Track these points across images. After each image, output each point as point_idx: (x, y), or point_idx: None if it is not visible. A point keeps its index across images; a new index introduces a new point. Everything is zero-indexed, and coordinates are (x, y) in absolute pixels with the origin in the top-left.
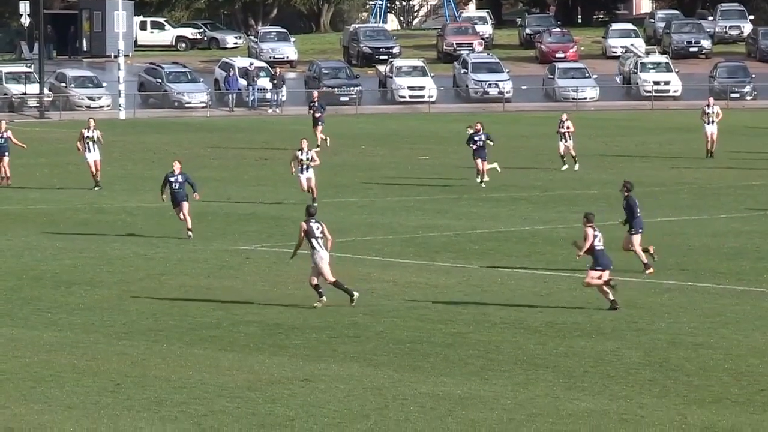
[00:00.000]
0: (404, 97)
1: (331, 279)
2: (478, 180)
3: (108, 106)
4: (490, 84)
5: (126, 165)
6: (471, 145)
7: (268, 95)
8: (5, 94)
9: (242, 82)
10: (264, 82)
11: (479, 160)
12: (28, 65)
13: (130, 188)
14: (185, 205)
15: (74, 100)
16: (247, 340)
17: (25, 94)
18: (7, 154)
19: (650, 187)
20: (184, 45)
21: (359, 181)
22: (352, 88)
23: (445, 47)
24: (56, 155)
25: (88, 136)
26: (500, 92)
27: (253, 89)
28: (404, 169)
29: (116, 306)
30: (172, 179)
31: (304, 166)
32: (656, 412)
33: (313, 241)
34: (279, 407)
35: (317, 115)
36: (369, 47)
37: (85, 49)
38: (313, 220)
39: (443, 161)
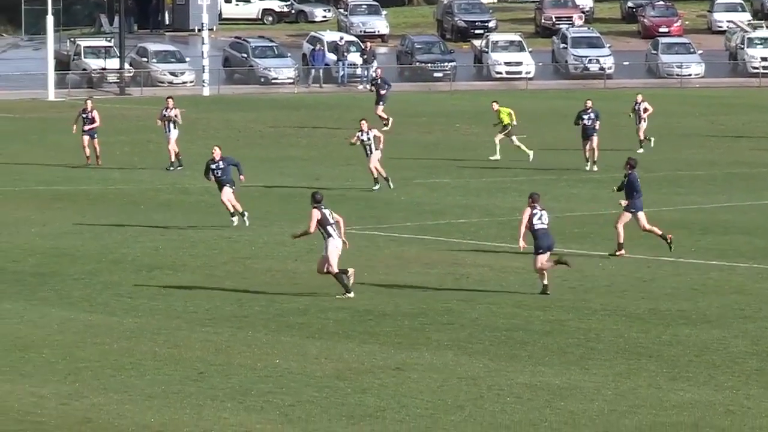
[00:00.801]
0: (500, 73)
1: (335, 270)
2: (587, 167)
3: (191, 82)
4: (590, 59)
5: (210, 144)
6: (579, 123)
7: (358, 71)
8: (84, 70)
9: (331, 57)
10: (354, 57)
11: (587, 142)
12: (108, 39)
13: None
14: (226, 190)
15: (156, 76)
16: (336, 327)
17: (104, 69)
18: (95, 136)
19: (757, 168)
20: (270, 18)
21: (453, 160)
22: (446, 64)
23: (543, 21)
24: (137, 133)
25: (165, 116)
26: (601, 68)
27: (343, 65)
28: (500, 149)
29: (199, 291)
30: (213, 166)
31: (368, 148)
32: (763, 403)
33: (329, 228)
34: (369, 397)
35: (381, 92)
36: (464, 21)
37: (167, 23)
38: (323, 206)
39: (541, 140)
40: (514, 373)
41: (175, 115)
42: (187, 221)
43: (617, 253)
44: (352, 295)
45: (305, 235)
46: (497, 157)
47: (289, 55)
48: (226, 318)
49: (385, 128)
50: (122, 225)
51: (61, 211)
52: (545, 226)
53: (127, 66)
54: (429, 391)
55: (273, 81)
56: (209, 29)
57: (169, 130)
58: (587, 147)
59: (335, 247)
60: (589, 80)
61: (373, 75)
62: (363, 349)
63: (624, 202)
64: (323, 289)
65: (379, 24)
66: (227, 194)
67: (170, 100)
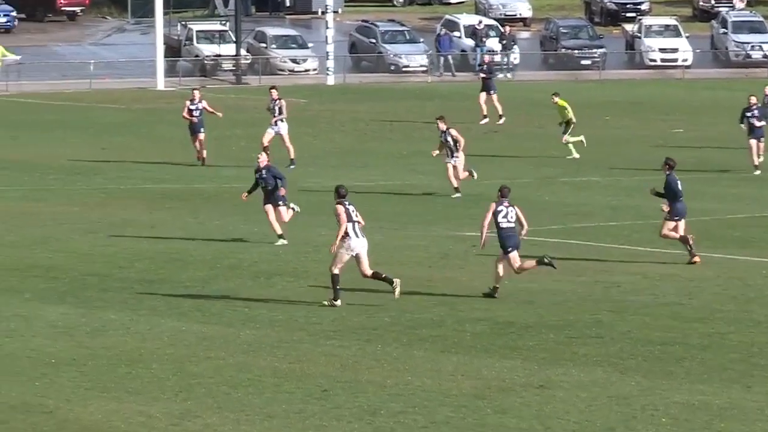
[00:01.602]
0: (655, 60)
1: (335, 271)
2: (757, 170)
3: (314, 69)
4: (753, 46)
5: (334, 137)
6: (744, 122)
7: (497, 57)
8: (197, 56)
9: (468, 42)
10: (493, 42)
11: (754, 140)
12: (223, 23)
13: (339, 164)
14: (277, 208)
15: (275, 63)
16: (473, 341)
17: (219, 56)
18: (202, 130)
19: None
20: (401, 0)
21: (603, 156)
22: (594, 50)
23: (701, 3)
24: (254, 126)
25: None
26: (765, 56)
27: (481, 51)
28: (654, 143)
29: (324, 300)
30: (257, 176)
31: (449, 150)
32: None
33: (348, 226)
34: (510, 418)
35: (489, 79)
36: (614, 3)
37: (288, 4)
38: (347, 202)
39: (699, 134)
40: (670, 392)
41: (279, 108)
42: (309, 223)
43: (693, 261)
44: (339, 303)
45: (341, 232)
46: (575, 156)
47: (422, 40)
48: (353, 330)
49: (484, 121)
50: (238, 227)
51: (171, 212)
52: (512, 225)
53: (243, 52)
54: (576, 412)
55: (404, 69)
56: (334, 12)
57: (277, 124)
58: (753, 147)
59: (362, 246)
60: (751, 69)
61: (482, 61)
62: (503, 364)
63: (666, 208)
64: (459, 298)
65: (521, 6)
66: (278, 213)
67: (274, 90)
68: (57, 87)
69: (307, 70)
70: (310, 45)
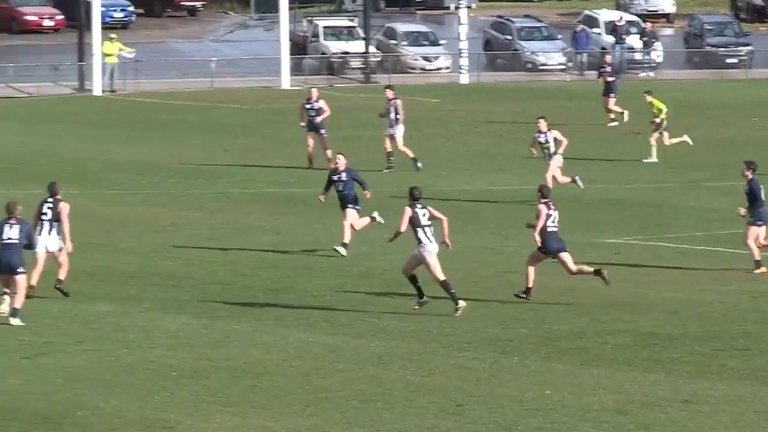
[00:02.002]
0: None
1: (441, 277)
2: None
3: (447, 68)
4: None
5: (467, 139)
6: None
7: (638, 55)
8: (324, 54)
9: (608, 39)
10: (633, 39)
11: None
12: (351, 18)
13: (473, 167)
14: (349, 212)
15: (406, 61)
16: (615, 353)
17: (347, 53)
18: (323, 131)
19: None
20: None
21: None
22: (740, 48)
23: None
24: (383, 127)
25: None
26: None
27: (621, 48)
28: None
29: (455, 311)
30: (335, 178)
31: (548, 152)
32: None
33: (419, 231)
34: None
35: (609, 80)
36: None
37: (419, 0)
38: (419, 205)
39: None
40: None
41: (395, 108)
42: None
43: (756, 272)
44: (462, 303)
45: (397, 236)
46: (653, 159)
47: (559, 36)
48: (488, 342)
49: (614, 124)
50: (369, 235)
51: (297, 217)
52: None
53: (372, 49)
54: (722, 427)
55: (540, 67)
56: (467, 7)
57: (392, 126)
58: None
59: (428, 252)
60: None
61: (603, 62)
62: (647, 378)
63: (744, 211)
64: (601, 309)
65: (664, 1)
66: (352, 217)
67: (389, 90)
68: (176, 86)
69: (439, 69)
70: (442, 42)
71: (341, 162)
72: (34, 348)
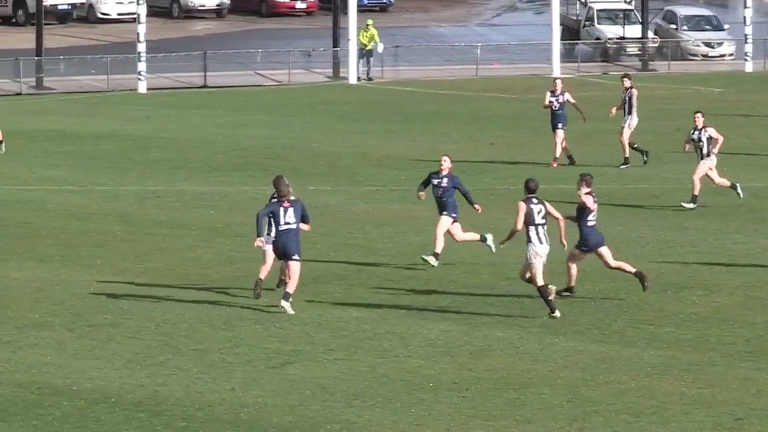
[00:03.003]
0: None
1: (540, 282)
2: None
3: (730, 55)
4: None
5: (752, 132)
6: None
7: None
8: (598, 39)
9: None
10: None
11: None
12: (628, 1)
13: (760, 163)
14: (444, 219)
15: (687, 47)
16: None
17: (623, 38)
18: (560, 125)
19: None
20: None
21: None
22: None
23: None
24: (663, 119)
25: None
26: None
27: None
28: None
29: (738, 317)
30: (435, 181)
31: (702, 151)
32: None
33: (531, 230)
34: None
35: None
36: None
37: None
38: (535, 200)
39: None
40: None
41: (629, 98)
42: (722, 230)
43: None
44: (557, 315)
45: (512, 236)
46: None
47: None
48: None
49: None
50: (642, 233)
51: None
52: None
53: (650, 34)
54: None
55: None
56: None
57: (627, 116)
58: None
59: (536, 253)
60: None
61: None
62: None
63: None
64: None
65: None
66: (445, 225)
67: (627, 79)
68: (438, 73)
69: (722, 55)
70: (726, 27)
71: (445, 165)
72: (281, 357)
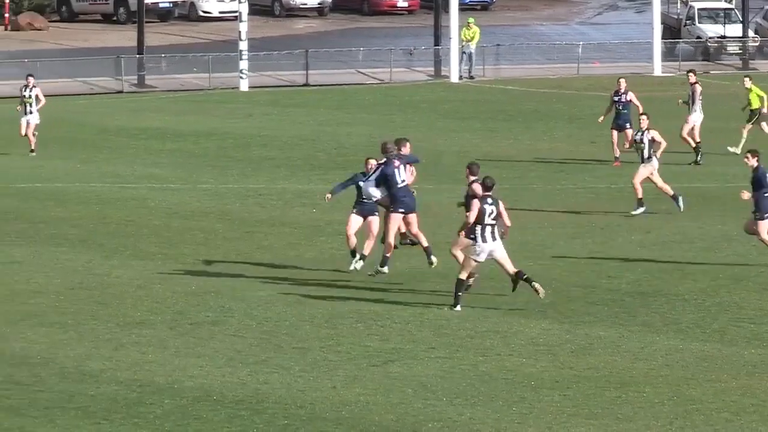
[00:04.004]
0: None
1: (462, 276)
2: None
3: None
4: None
5: None
6: None
7: None
8: (699, 38)
9: None
10: None
11: None
12: (729, 0)
13: None
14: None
15: None
16: None
17: (723, 37)
18: (627, 125)
19: None
20: None
21: None
22: None
23: None
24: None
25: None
26: None
27: None
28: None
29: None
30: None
31: (643, 153)
32: None
33: (478, 228)
34: None
35: None
36: None
37: None
38: (489, 200)
39: None
40: None
41: (692, 93)
42: None
43: None
44: (458, 309)
45: (465, 228)
46: (736, 150)
47: None
48: None
49: None
50: (742, 233)
51: (667, 215)
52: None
53: (751, 33)
54: None
55: None
56: None
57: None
58: None
59: (476, 251)
60: None
61: None
62: None
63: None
64: None
65: None
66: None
67: (692, 74)
68: (540, 72)
69: None
70: None
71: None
72: (382, 355)
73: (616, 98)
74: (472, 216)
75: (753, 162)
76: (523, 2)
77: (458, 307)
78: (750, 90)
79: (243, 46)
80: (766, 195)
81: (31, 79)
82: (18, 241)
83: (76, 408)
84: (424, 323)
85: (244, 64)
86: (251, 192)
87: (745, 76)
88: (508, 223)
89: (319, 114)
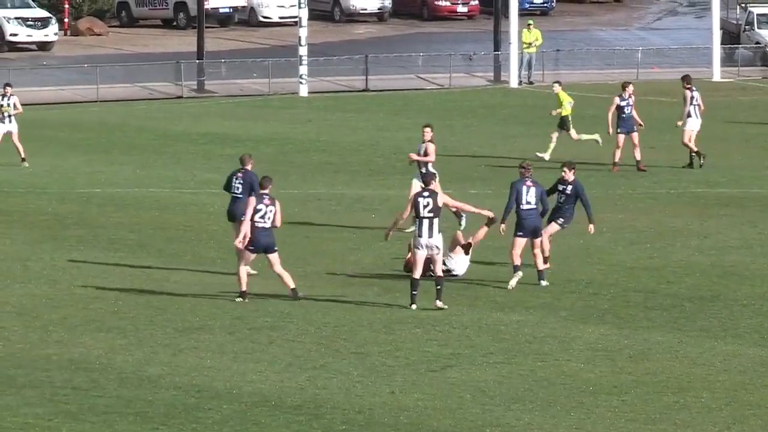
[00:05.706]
0: None
1: (416, 275)
2: None
3: None
4: None
5: None
6: None
7: None
8: (758, 43)
9: None
10: None
11: None
12: None
13: None
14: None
15: None
16: None
17: None
18: (635, 129)
19: None
20: None
21: None
22: None
23: None
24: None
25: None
26: None
27: None
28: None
29: None
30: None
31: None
32: None
33: (416, 222)
34: None
35: None
36: None
37: None
38: (426, 193)
39: None
40: None
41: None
42: None
43: None
44: (414, 308)
45: (395, 225)
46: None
47: None
48: None
49: None
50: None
51: (726, 219)
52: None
53: None
54: None
55: None
56: None
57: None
58: None
59: (418, 244)
60: None
61: None
62: None
63: None
64: None
65: None
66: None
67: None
68: (599, 77)
69: None
70: None
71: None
72: (440, 360)
73: (622, 103)
74: (406, 213)
75: None
76: (582, 8)
77: (413, 306)
78: (558, 95)
79: (303, 51)
80: None
81: (9, 88)
82: (77, 246)
83: (135, 413)
84: (483, 328)
85: (303, 69)
86: (310, 197)
87: (555, 82)
88: (472, 209)
89: (378, 119)
